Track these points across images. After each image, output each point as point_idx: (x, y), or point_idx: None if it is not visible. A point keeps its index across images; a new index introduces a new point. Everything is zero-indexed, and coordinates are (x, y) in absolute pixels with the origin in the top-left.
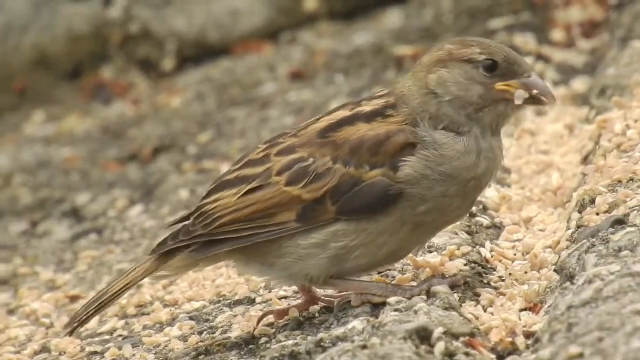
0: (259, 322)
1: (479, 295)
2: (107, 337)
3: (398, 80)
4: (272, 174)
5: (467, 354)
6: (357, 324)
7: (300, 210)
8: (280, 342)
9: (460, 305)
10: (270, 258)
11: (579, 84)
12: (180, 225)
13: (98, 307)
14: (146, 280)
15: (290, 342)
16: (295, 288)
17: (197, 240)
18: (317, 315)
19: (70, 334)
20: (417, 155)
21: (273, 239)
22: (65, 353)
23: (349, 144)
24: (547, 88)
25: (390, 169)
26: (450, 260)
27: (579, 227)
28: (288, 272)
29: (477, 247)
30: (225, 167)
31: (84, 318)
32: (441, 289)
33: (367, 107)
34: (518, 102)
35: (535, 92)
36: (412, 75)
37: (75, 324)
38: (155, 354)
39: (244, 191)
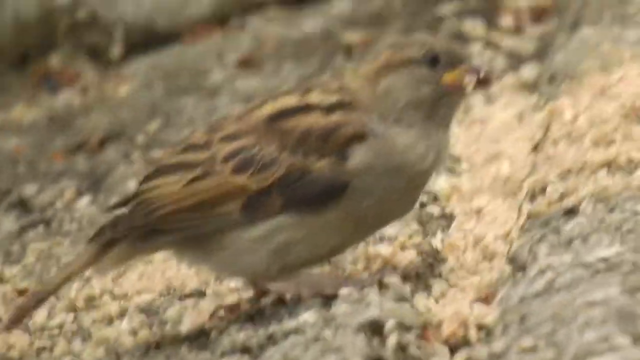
0: (210, 316)
1: (430, 287)
2: (56, 332)
3: (344, 74)
4: (216, 161)
5: (419, 347)
6: (308, 316)
7: (244, 201)
8: (231, 335)
9: (412, 297)
10: (212, 249)
11: (528, 71)
12: (119, 211)
13: (37, 301)
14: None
15: (242, 336)
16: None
17: (137, 230)
18: (268, 307)
19: (9, 328)
20: (366, 145)
21: (216, 229)
22: (13, 348)
23: (297, 132)
24: (489, 72)
25: (338, 159)
26: (402, 250)
27: (529, 217)
28: (230, 264)
29: (428, 237)
30: None
31: (22, 313)
32: (393, 280)
33: (319, 98)
34: (469, 87)
35: (482, 74)
36: (360, 76)
37: (14, 319)
38: (105, 348)
39: (187, 179)
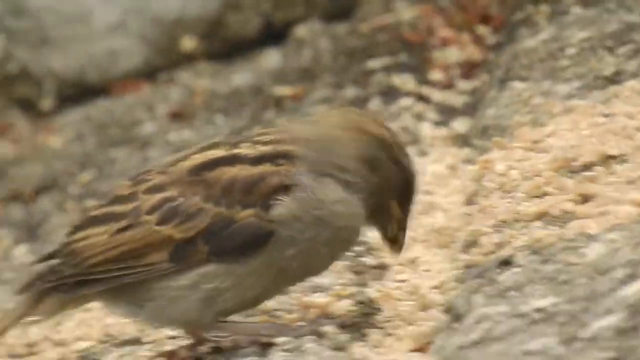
0: None
1: (367, 336)
2: None
3: (304, 121)
4: (141, 212)
5: None
6: None
7: (171, 250)
8: None
9: (350, 346)
10: (141, 299)
11: (460, 125)
12: (46, 263)
13: None
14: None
15: None
16: None
17: (66, 280)
18: (205, 356)
19: None
20: (292, 196)
21: (145, 280)
22: None
23: (221, 183)
24: (403, 244)
25: (262, 209)
26: (338, 300)
27: (465, 267)
28: (162, 313)
29: (364, 287)
30: None
31: None
32: (330, 328)
33: (248, 151)
34: (387, 233)
35: (399, 241)
36: (338, 126)
37: None
38: None
39: (114, 230)
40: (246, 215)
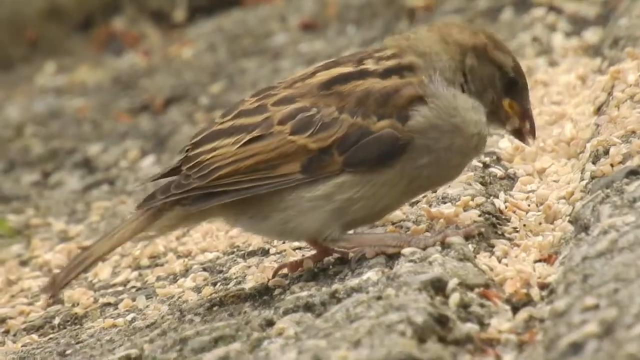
0: (274, 274)
1: (493, 246)
2: (121, 288)
3: (414, 35)
4: (273, 122)
5: (481, 305)
6: (371, 274)
7: (305, 161)
8: (295, 293)
9: (475, 256)
10: (269, 211)
11: (591, 35)
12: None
13: (81, 270)
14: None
15: (305, 293)
16: None
17: (192, 193)
18: (331, 266)
19: (51, 298)
20: (429, 105)
21: (275, 190)
22: (78, 304)
23: (355, 95)
24: (535, 128)
25: (398, 121)
26: (464, 210)
27: (592, 177)
28: (288, 225)
29: (491, 197)
30: None
31: (65, 282)
32: (455, 239)
33: (375, 66)
34: (508, 127)
35: (526, 127)
36: (439, 39)
37: (57, 289)
38: (169, 305)
39: (244, 140)
40: (383, 125)
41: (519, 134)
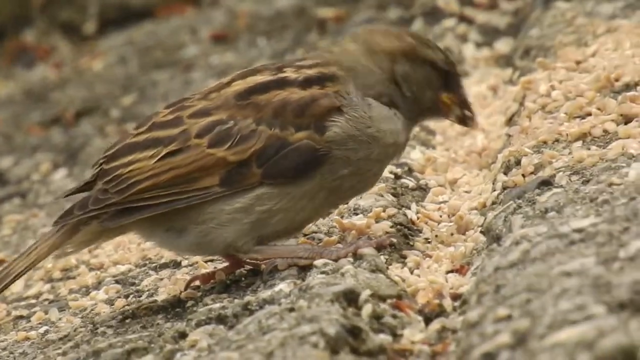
0: (186, 286)
1: (405, 257)
2: (33, 301)
3: (337, 48)
4: (190, 135)
5: (394, 316)
6: (284, 286)
7: (223, 174)
8: (207, 305)
9: (387, 267)
10: (186, 224)
11: (502, 45)
12: (80, 194)
13: (0, 288)
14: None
15: (217, 305)
16: None
17: (111, 208)
18: (243, 278)
19: None
20: (345, 116)
21: (193, 204)
22: None
23: (272, 105)
24: (475, 111)
25: (315, 132)
26: (376, 222)
27: (504, 188)
28: (206, 238)
29: (403, 208)
30: None
31: None
32: (367, 250)
33: (294, 75)
34: (451, 117)
35: (467, 112)
36: (365, 50)
37: None
38: (82, 317)
39: (162, 154)
40: (301, 137)
41: (462, 121)
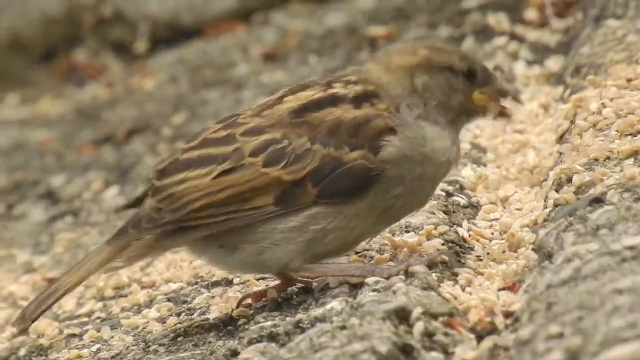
0: (238, 304)
1: (456, 275)
2: (85, 319)
3: (364, 68)
4: (244, 154)
5: (445, 334)
6: (335, 304)
7: (278, 193)
8: (259, 323)
9: (439, 285)
10: (239, 242)
11: (553, 63)
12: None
13: (51, 302)
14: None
15: (269, 323)
16: None
17: (166, 227)
18: (295, 296)
19: (21, 332)
20: (399, 135)
21: (247, 223)
22: (43, 335)
23: (326, 124)
24: (516, 88)
25: (370, 152)
26: (428, 239)
27: (556, 205)
28: (260, 257)
29: (454, 226)
30: None
31: (35, 316)
32: (419, 268)
33: (343, 90)
34: (490, 116)
35: (505, 104)
36: (384, 69)
37: (27, 322)
38: (134, 335)
39: (216, 172)
40: (355, 156)
41: (503, 115)
